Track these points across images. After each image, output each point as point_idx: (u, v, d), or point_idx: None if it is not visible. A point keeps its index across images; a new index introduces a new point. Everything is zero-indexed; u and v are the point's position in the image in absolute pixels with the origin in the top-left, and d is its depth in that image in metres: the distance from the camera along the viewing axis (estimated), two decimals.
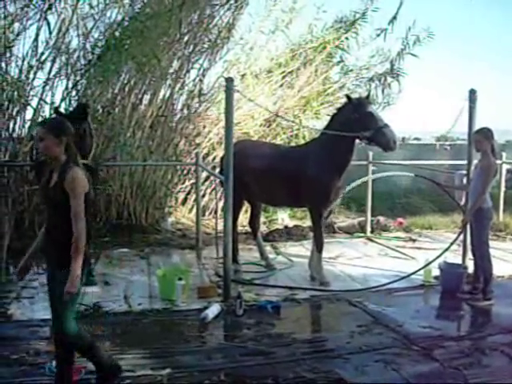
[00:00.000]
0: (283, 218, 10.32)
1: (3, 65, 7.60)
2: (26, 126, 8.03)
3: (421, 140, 24.03)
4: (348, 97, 6.21)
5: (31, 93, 7.91)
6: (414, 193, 13.29)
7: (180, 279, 5.57)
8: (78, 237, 3.20)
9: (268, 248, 7.88)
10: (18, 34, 7.75)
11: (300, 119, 10.35)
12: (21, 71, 7.83)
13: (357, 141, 6.15)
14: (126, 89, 9.04)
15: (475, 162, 6.13)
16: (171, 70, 9.43)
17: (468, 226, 6.12)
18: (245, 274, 6.69)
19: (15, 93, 7.56)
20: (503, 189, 9.97)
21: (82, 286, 3.37)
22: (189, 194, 10.15)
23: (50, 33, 7.97)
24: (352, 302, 5.68)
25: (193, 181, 9.53)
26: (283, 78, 10.59)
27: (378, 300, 5.78)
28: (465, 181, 6.69)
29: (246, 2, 9.89)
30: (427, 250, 7.93)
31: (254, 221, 7.26)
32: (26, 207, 7.71)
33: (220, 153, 9.20)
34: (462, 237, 6.51)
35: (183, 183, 10.07)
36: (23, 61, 7.84)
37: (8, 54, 7.66)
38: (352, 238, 9.17)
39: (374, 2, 10.29)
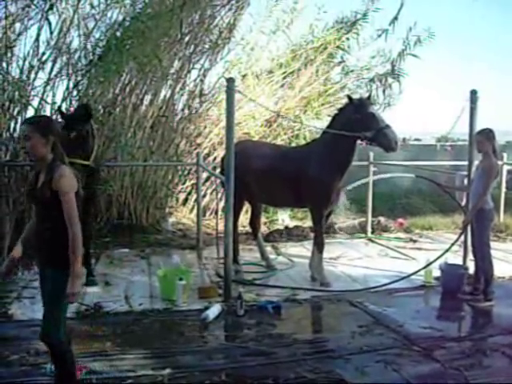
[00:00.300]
0: (284, 218, 10.32)
1: (4, 65, 7.60)
2: None
3: (421, 141, 23.99)
4: (349, 97, 6.21)
5: (32, 93, 7.89)
6: (415, 193, 13.28)
7: (181, 279, 5.57)
8: (74, 235, 3.08)
9: (269, 248, 7.87)
10: (19, 34, 7.75)
11: (301, 119, 10.35)
12: (22, 71, 7.83)
13: (358, 141, 6.14)
14: (127, 89, 9.03)
15: (476, 162, 6.13)
16: (172, 71, 9.43)
17: (469, 227, 6.12)
18: (245, 274, 6.69)
19: (16, 93, 7.55)
20: (504, 190, 9.95)
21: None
22: (189, 194, 10.16)
23: (51, 33, 7.96)
24: (353, 303, 5.68)
25: (193, 181, 9.54)
26: (284, 78, 10.60)
27: (379, 300, 5.78)
28: (466, 182, 6.69)
29: (247, 3, 9.90)
30: (428, 250, 7.93)
31: (254, 221, 7.26)
32: (26, 207, 7.70)
33: (221, 153, 9.20)
34: (462, 238, 6.51)
35: (184, 183, 10.08)
36: (24, 61, 7.84)
37: (9, 54, 7.65)
38: (352, 238, 9.17)
39: (374, 2, 10.32)
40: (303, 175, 6.23)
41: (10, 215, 7.14)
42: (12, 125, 7.79)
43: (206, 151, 9.98)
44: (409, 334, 4.80)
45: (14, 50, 7.75)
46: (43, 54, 7.95)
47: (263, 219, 9.32)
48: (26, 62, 7.84)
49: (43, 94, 8.02)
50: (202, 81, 9.99)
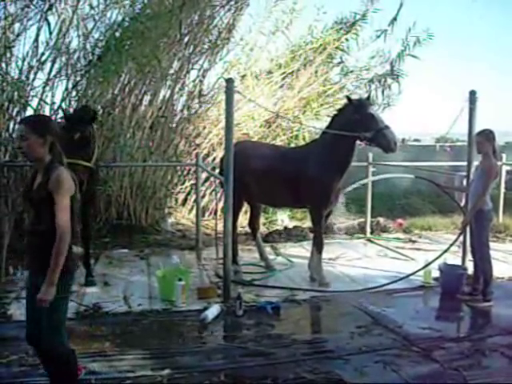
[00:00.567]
0: (283, 218, 10.32)
1: (3, 65, 7.59)
2: None
3: (421, 141, 24.04)
4: (348, 98, 6.21)
5: (31, 93, 7.89)
6: (414, 194, 13.30)
7: (180, 280, 5.57)
8: (60, 239, 2.93)
9: (268, 249, 7.88)
10: (18, 35, 7.74)
11: (300, 120, 10.35)
12: (21, 71, 7.82)
13: (357, 142, 6.15)
14: (126, 89, 9.03)
15: (476, 163, 6.13)
16: (171, 71, 9.43)
17: (468, 228, 6.12)
18: (245, 274, 6.69)
19: (15, 93, 7.53)
20: (503, 190, 9.96)
21: (68, 294, 3.17)
22: (189, 194, 10.16)
23: (51, 33, 7.95)
24: (352, 303, 5.68)
25: (193, 181, 9.55)
26: (283, 78, 10.60)
27: (378, 301, 5.78)
28: (465, 182, 6.70)
29: (247, 3, 9.90)
30: (427, 251, 7.94)
31: (253, 222, 7.26)
32: (25, 207, 7.70)
33: (220, 153, 9.20)
34: (461, 238, 6.51)
35: (183, 184, 10.08)
36: (23, 61, 7.83)
37: (8, 55, 7.64)
38: (352, 238, 9.17)
39: (374, 3, 10.33)
40: (302, 176, 6.23)
41: (9, 215, 7.12)
42: (11, 125, 7.78)
43: (205, 152, 9.98)
44: (408, 335, 4.81)
45: (13, 51, 7.73)
46: (42, 54, 7.94)
47: (262, 220, 9.32)
48: (25, 63, 7.84)
49: (42, 95, 8.02)
50: (201, 81, 10.00)
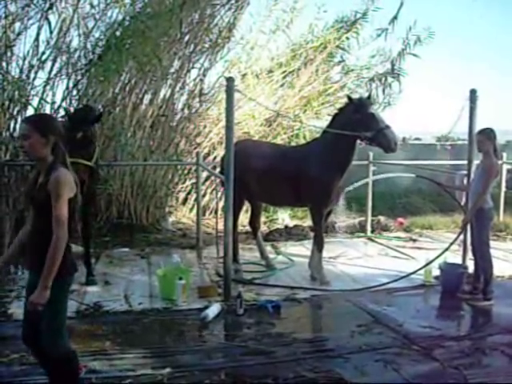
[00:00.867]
0: (284, 217, 10.32)
1: (4, 64, 7.60)
2: None
3: (421, 140, 23.98)
4: (349, 97, 6.21)
5: (32, 92, 7.90)
6: (415, 193, 13.28)
7: (180, 279, 5.58)
8: (56, 242, 2.89)
9: (268, 248, 7.88)
10: (18, 34, 7.74)
11: (300, 119, 10.35)
12: (21, 71, 7.82)
13: (358, 141, 6.14)
14: (127, 88, 9.04)
15: (476, 162, 6.13)
16: (172, 70, 9.43)
17: (468, 226, 6.12)
18: (245, 273, 6.69)
19: (16, 92, 7.55)
20: (504, 189, 9.95)
21: (67, 295, 3.16)
22: (189, 193, 10.16)
23: (51, 32, 7.96)
24: (352, 302, 5.68)
25: (193, 180, 9.55)
26: (284, 77, 10.60)
27: (379, 300, 5.79)
28: (465, 181, 6.69)
29: (247, 2, 9.90)
30: (427, 249, 7.93)
31: (254, 220, 7.26)
32: (26, 207, 7.70)
33: (221, 152, 9.20)
34: (462, 237, 6.51)
35: (184, 183, 10.08)
36: (24, 60, 7.83)
37: (9, 54, 7.65)
38: (352, 237, 9.17)
39: (374, 1, 10.34)
40: (303, 174, 6.24)
41: (9, 214, 7.14)
42: (12, 124, 7.79)
43: (205, 150, 9.98)
44: (408, 333, 4.81)
45: (14, 50, 7.75)
46: (43, 53, 7.95)
47: (263, 218, 9.32)
48: (26, 62, 7.84)
49: (43, 94, 8.02)
50: (201, 80, 10.00)
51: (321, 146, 6.36)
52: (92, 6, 8.30)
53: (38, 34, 7.85)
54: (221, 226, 6.35)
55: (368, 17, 10.41)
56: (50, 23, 7.90)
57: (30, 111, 7.87)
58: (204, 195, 9.89)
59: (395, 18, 10.38)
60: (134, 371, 3.96)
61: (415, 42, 10.49)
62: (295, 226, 9.47)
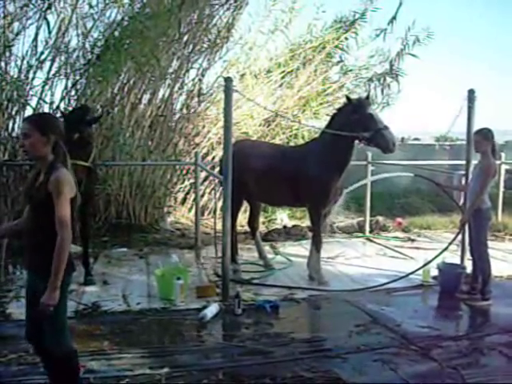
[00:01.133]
0: (282, 217, 10.32)
1: (3, 64, 7.60)
2: None
3: (420, 140, 24.02)
4: (348, 98, 6.22)
5: (30, 92, 7.91)
6: (413, 193, 13.30)
7: (179, 279, 5.58)
8: (61, 243, 2.90)
9: (267, 248, 7.89)
10: (17, 34, 7.75)
11: (299, 119, 10.36)
12: (20, 70, 7.83)
13: (356, 141, 6.15)
14: (126, 88, 9.04)
15: (475, 162, 6.14)
16: (170, 70, 9.44)
17: (466, 227, 6.13)
18: (243, 273, 6.69)
19: (15, 92, 7.55)
20: (502, 189, 9.96)
21: (67, 294, 3.15)
22: (188, 193, 10.16)
23: (50, 32, 7.97)
24: (350, 302, 5.69)
25: (192, 180, 9.54)
26: (282, 77, 10.61)
27: (377, 300, 5.79)
28: (464, 181, 6.70)
29: (246, 2, 9.91)
30: (426, 249, 7.94)
31: (253, 220, 7.27)
32: (24, 206, 7.70)
33: (219, 152, 9.21)
34: (460, 237, 6.52)
35: (182, 183, 10.08)
36: (23, 60, 7.84)
37: (7, 54, 7.66)
38: (351, 237, 9.18)
39: (373, 2, 10.32)
40: (302, 174, 6.24)
41: (8, 214, 7.14)
42: (10, 124, 7.79)
43: (204, 151, 9.98)
44: (406, 333, 4.81)
45: (13, 50, 7.76)
46: (41, 53, 7.96)
47: (262, 218, 9.32)
48: (25, 62, 7.85)
49: (41, 94, 8.03)
50: (200, 80, 10.00)
51: (319, 146, 6.37)
52: (91, 6, 8.30)
53: (36, 34, 7.87)
54: (219, 226, 6.35)
55: (367, 17, 10.42)
56: (48, 23, 7.91)
57: (29, 111, 7.88)
58: (203, 195, 9.90)
59: (394, 18, 10.38)
60: (132, 371, 3.97)
61: (414, 42, 10.48)
62: (294, 226, 9.48)
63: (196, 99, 9.97)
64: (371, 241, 8.95)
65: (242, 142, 7.30)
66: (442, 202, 10.68)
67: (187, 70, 9.75)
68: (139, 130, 9.08)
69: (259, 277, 6.62)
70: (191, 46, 9.49)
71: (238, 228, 7.55)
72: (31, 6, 7.63)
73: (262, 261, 7.15)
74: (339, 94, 10.78)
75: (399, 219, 10.02)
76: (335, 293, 6.00)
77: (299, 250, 7.96)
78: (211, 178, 9.43)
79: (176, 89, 9.67)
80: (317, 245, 6.43)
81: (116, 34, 8.32)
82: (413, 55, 10.65)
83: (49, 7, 7.75)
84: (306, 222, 9.29)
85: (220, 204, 8.46)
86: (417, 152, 14.59)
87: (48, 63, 8.06)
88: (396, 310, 5.48)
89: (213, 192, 9.45)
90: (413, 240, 8.98)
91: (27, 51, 7.88)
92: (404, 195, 13.15)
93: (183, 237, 8.89)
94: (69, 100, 8.45)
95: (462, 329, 5.36)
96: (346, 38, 10.60)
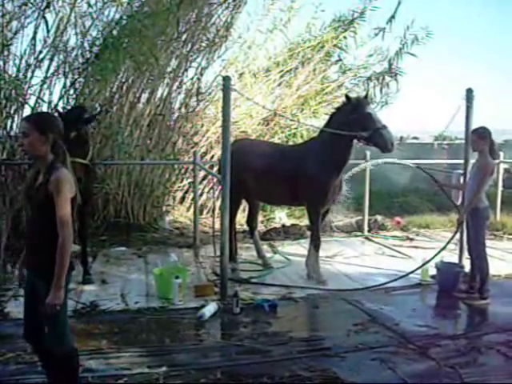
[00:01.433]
0: (281, 216, 10.32)
1: (1, 63, 7.58)
2: None
3: (419, 139, 24.00)
4: (347, 97, 6.21)
5: (29, 91, 7.89)
6: (412, 192, 13.29)
7: (177, 278, 5.58)
8: (63, 243, 2.90)
9: (265, 247, 7.89)
10: (15, 33, 7.72)
11: (298, 118, 10.36)
12: (18, 69, 7.80)
13: (355, 140, 6.15)
14: (124, 87, 9.03)
15: (473, 161, 6.14)
16: (169, 69, 9.42)
17: (464, 226, 6.13)
18: (242, 272, 6.69)
19: (13, 91, 7.54)
20: (501, 188, 9.96)
21: (66, 293, 3.13)
22: (187, 192, 10.16)
23: (48, 31, 7.94)
24: (349, 301, 5.69)
25: (191, 179, 9.54)
26: (281, 76, 10.60)
27: (375, 299, 5.80)
28: (462, 180, 6.70)
29: (244, 1, 9.89)
30: (424, 248, 7.95)
31: (251, 219, 7.27)
32: (23, 206, 7.69)
33: (218, 151, 9.22)
34: (458, 236, 6.52)
35: (181, 182, 10.08)
36: (21, 59, 7.81)
37: (6, 53, 7.63)
38: (349, 236, 9.18)
39: (372, 1, 10.29)
40: (300, 173, 6.25)
41: (6, 213, 7.13)
42: (9, 123, 7.77)
43: (203, 150, 9.99)
44: (404, 332, 4.82)
45: (11, 49, 7.72)
46: (40, 52, 7.93)
47: (260, 217, 9.32)
48: (23, 61, 7.82)
49: (40, 93, 8.01)
50: (199, 79, 9.98)
51: (318, 145, 6.37)
52: (89, 5, 8.27)
53: (35, 33, 7.84)
54: (218, 225, 6.36)
55: (365, 16, 10.40)
56: (47, 22, 7.88)
57: (27, 110, 7.87)
58: (201, 194, 9.90)
59: (393, 17, 10.36)
60: (130, 370, 3.97)
61: (413, 42, 10.44)
62: (292, 225, 9.47)
63: (195, 98, 9.96)
64: (370, 240, 8.95)
65: (241, 141, 7.30)
66: (441, 201, 10.67)
67: (186, 69, 9.74)
68: (138, 128, 9.07)
69: (257, 276, 6.63)
70: (190, 45, 9.48)
71: (237, 227, 7.54)
72: (30, 5, 7.60)
73: (261, 260, 7.15)
74: (338, 93, 10.78)
75: (398, 218, 10.03)
76: (333, 292, 5.99)
77: (298, 249, 7.97)
78: (210, 177, 9.43)
79: (175, 88, 9.66)
80: (315, 244, 6.43)
81: (114, 32, 8.31)
82: (412, 54, 10.63)
83: (47, 6, 7.72)
84: (305, 221, 9.29)
85: (219, 203, 8.47)
86: (415, 151, 14.57)
87: (46, 62, 8.04)
88: (394, 309, 5.49)
89: (211, 191, 9.45)
90: (411, 239, 8.99)
91: (25, 50, 7.86)
92: (403, 194, 13.15)
93: (182, 236, 8.89)
94: (67, 99, 8.44)
95: (460, 328, 5.36)
96: (345, 37, 10.60)
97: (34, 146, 3.03)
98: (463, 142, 6.59)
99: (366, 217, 9.37)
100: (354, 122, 5.95)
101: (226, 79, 5.61)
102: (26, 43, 7.85)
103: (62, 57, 8.19)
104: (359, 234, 9.30)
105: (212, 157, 10.00)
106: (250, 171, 6.50)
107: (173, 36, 8.95)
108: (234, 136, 8.52)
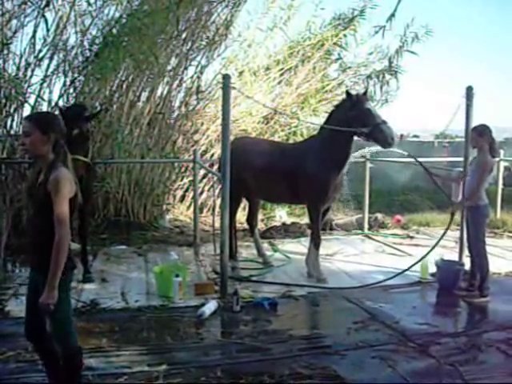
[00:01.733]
0: (281, 215, 10.32)
1: (1, 62, 7.58)
2: None
3: (419, 137, 24.03)
4: (348, 92, 6.20)
5: (29, 90, 7.89)
6: (412, 190, 13.30)
7: (177, 276, 5.58)
8: (59, 242, 2.90)
9: (265, 245, 7.89)
10: (15, 31, 7.72)
11: (298, 116, 10.36)
12: (18, 68, 7.80)
13: (355, 137, 6.14)
14: (124, 86, 9.03)
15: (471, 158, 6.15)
16: (169, 68, 9.42)
17: (464, 224, 6.13)
18: (242, 270, 6.69)
19: (13, 90, 7.54)
20: (501, 186, 9.96)
21: (68, 292, 3.15)
22: (187, 191, 10.16)
23: (48, 30, 7.94)
24: (349, 299, 5.69)
25: (191, 178, 9.54)
26: (281, 75, 10.61)
27: (375, 297, 5.79)
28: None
29: None
30: (424, 247, 7.92)
31: (251, 218, 7.27)
32: (24, 204, 7.70)
33: (218, 150, 9.20)
34: (458, 234, 6.51)
35: (181, 180, 10.08)
36: (21, 58, 7.81)
37: (5, 51, 7.63)
38: (349, 235, 9.18)
39: None
40: (300, 172, 6.24)
41: (6, 212, 7.14)
42: (8, 122, 7.77)
43: (203, 148, 9.99)
44: (404, 330, 4.82)
45: (11, 47, 7.72)
46: (40, 51, 7.93)
47: (260, 216, 9.32)
48: (23, 59, 7.82)
49: (40, 91, 8.01)
50: (198, 78, 9.98)
51: (318, 143, 6.36)
52: (89, 4, 8.27)
53: (34, 32, 7.84)
54: (218, 224, 6.35)
55: (365, 14, 10.41)
56: (46, 21, 7.88)
57: (27, 109, 7.87)
58: (201, 193, 9.90)
59: (393, 15, 10.33)
60: (130, 368, 3.97)
61: (413, 40, 10.45)
62: (292, 223, 9.47)
63: (195, 97, 9.97)
64: (370, 238, 8.95)
65: (241, 140, 7.30)
66: (441, 199, 10.67)
67: (186, 68, 9.74)
68: (138, 127, 9.07)
69: (258, 274, 6.62)
70: (190, 44, 9.47)
71: (237, 225, 7.54)
72: (29, 4, 7.60)
73: (261, 258, 7.15)
74: (338, 91, 10.78)
75: (398, 216, 10.02)
76: (333, 290, 5.99)
77: (298, 248, 7.97)
78: (210, 175, 9.43)
79: (174, 86, 9.66)
80: (315, 242, 6.43)
81: (114, 31, 8.31)
82: (412, 52, 10.63)
83: (47, 5, 7.72)
84: (305, 220, 9.29)
85: (219, 201, 8.47)
86: (416, 149, 14.57)
87: (46, 61, 8.04)
88: (394, 307, 5.49)
89: (211, 189, 9.45)
90: (412, 237, 8.98)
91: (25, 49, 7.86)
92: (403, 192, 13.16)
93: (182, 234, 8.89)
94: (67, 98, 8.44)
95: (460, 326, 5.35)
96: (345, 35, 10.59)
97: (35, 145, 3.03)
98: (463, 140, 6.58)
99: (367, 215, 9.37)
100: (353, 118, 5.95)
101: (226, 77, 5.60)
102: (26, 42, 7.88)
103: (61, 55, 8.19)
104: (359, 232, 9.30)
105: (212, 155, 10.00)
106: (250, 169, 6.50)
107: (173, 34, 8.95)
108: (233, 134, 8.52)
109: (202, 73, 10.01)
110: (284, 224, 9.45)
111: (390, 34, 10.46)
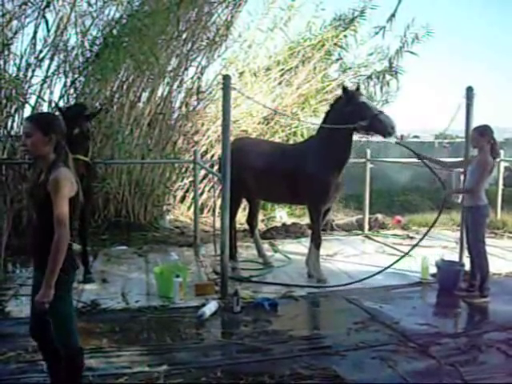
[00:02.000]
0: (281, 215, 10.33)
1: (1, 62, 7.59)
2: None
3: (420, 138, 24.01)
4: (344, 87, 6.20)
5: (29, 91, 7.91)
6: (412, 190, 13.30)
7: (177, 276, 5.58)
8: (58, 242, 2.89)
9: (266, 245, 7.89)
10: (15, 32, 7.74)
11: (298, 117, 10.36)
12: (19, 69, 7.82)
13: (354, 137, 6.14)
14: (124, 86, 9.04)
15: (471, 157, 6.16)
16: (169, 68, 9.44)
17: (464, 224, 6.14)
18: (242, 271, 6.69)
19: (13, 90, 7.55)
20: (501, 186, 9.96)
21: (70, 292, 3.17)
22: (187, 191, 10.17)
23: (48, 30, 7.96)
24: (349, 299, 5.69)
25: (191, 178, 9.55)
26: (282, 75, 10.62)
27: (375, 297, 5.79)
28: (462, 177, 6.70)
29: (245, 0, 9.89)
30: (424, 247, 7.91)
31: (252, 218, 7.27)
32: (24, 205, 7.72)
33: (218, 150, 9.22)
34: (458, 235, 6.52)
35: (181, 181, 10.09)
36: (21, 59, 7.83)
37: (6, 52, 7.65)
38: (350, 235, 9.18)
39: None
40: (300, 172, 6.24)
41: (7, 213, 7.14)
42: (9, 123, 7.78)
43: (203, 149, 10.00)
44: (405, 331, 4.82)
45: (11, 48, 7.74)
46: (40, 51, 7.95)
47: (261, 216, 9.33)
48: (23, 60, 7.84)
49: (40, 92, 8.02)
50: (199, 78, 10.00)
51: (317, 143, 6.36)
52: (89, 4, 8.30)
53: (35, 32, 7.86)
54: (218, 224, 6.36)
55: (366, 15, 10.42)
56: (47, 21, 7.90)
57: (28, 110, 7.89)
58: (202, 193, 9.91)
59: (393, 15, 10.36)
60: (130, 368, 3.97)
61: (413, 40, 10.46)
62: (293, 223, 9.47)
63: (195, 97, 9.98)
64: (370, 238, 8.95)
65: (242, 140, 7.30)
66: (441, 199, 10.68)
67: (186, 68, 9.75)
68: (138, 128, 9.08)
69: (258, 274, 6.63)
70: (190, 44, 9.48)
71: (237, 226, 7.55)
72: (30, 4, 7.62)
73: (261, 258, 7.16)
74: (338, 91, 10.75)
75: (398, 217, 10.03)
76: (334, 290, 5.99)
77: (298, 248, 7.97)
78: (210, 176, 9.44)
79: (175, 87, 9.68)
80: (316, 242, 6.43)
81: (115, 32, 8.33)
82: (412, 53, 10.64)
83: (47, 5, 7.74)
84: (306, 220, 9.29)
85: (219, 202, 8.48)
86: (416, 149, 14.58)
87: (47, 61, 8.06)
88: (394, 308, 5.49)
89: (212, 190, 9.46)
90: (412, 237, 8.97)
91: (26, 49, 7.88)
92: (403, 193, 13.16)
93: (182, 235, 8.90)
94: (68, 98, 8.45)
95: (461, 326, 5.36)
96: (345, 36, 10.62)
97: (36, 146, 3.04)
98: (464, 140, 6.58)
99: (367, 215, 9.37)
100: (349, 114, 5.93)
101: (227, 78, 5.61)
102: (27, 42, 7.90)
103: (62, 56, 8.21)
104: (360, 232, 9.30)
105: (212, 156, 10.01)
106: (250, 170, 6.50)
107: (173, 35, 8.96)
108: (234, 135, 8.53)
109: (202, 73, 10.03)
110: (284, 224, 9.45)
111: (391, 34, 10.49)
